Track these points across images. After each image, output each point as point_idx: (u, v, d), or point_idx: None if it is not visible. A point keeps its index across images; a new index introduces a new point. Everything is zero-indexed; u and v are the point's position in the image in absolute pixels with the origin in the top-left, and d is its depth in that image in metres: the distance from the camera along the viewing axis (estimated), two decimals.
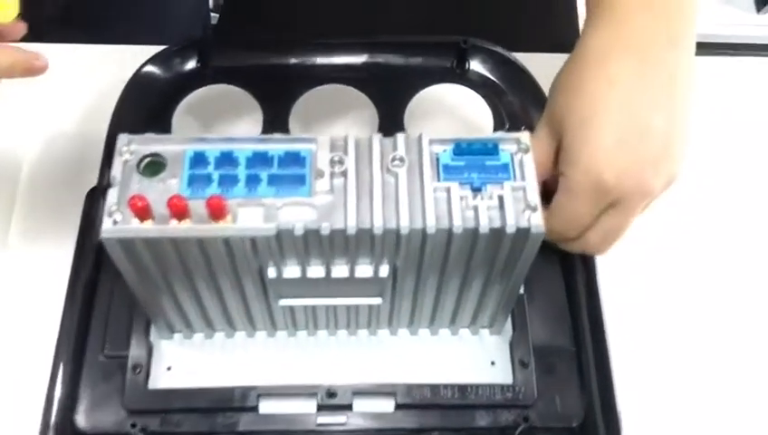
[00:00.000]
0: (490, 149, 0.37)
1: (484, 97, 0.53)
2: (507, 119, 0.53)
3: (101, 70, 0.56)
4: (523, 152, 0.37)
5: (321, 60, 0.54)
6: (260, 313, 0.43)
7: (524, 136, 0.38)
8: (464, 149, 0.37)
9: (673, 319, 0.49)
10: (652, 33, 0.39)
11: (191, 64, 0.53)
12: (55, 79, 0.45)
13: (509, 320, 0.46)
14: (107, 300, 0.46)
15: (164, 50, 0.53)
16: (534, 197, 0.36)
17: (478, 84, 0.54)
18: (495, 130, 0.53)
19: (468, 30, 0.55)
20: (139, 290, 0.39)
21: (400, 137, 0.38)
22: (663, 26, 0.39)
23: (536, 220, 0.35)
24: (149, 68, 0.52)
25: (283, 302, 0.41)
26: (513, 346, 0.45)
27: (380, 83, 0.53)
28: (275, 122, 0.52)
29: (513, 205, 0.36)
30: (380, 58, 0.54)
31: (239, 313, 0.43)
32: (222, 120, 0.53)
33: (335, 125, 0.53)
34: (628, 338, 0.47)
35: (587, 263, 0.48)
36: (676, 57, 0.39)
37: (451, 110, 0.54)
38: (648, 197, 0.40)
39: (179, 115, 0.52)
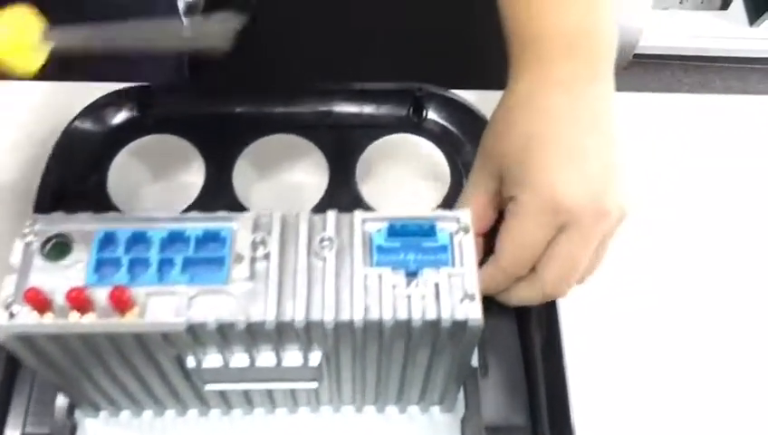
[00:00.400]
0: (426, 230, 0.34)
1: (440, 147, 0.50)
2: (464, 170, 0.50)
3: (53, 108, 0.52)
4: (463, 232, 0.34)
5: (268, 108, 0.50)
6: (188, 394, 0.39)
7: (464, 214, 0.34)
8: (398, 230, 0.34)
9: (650, 391, 0.45)
10: (575, 75, 0.41)
11: (129, 113, 0.50)
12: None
13: (462, 395, 0.42)
14: (31, 371, 0.43)
15: (99, 99, 0.49)
16: (473, 285, 0.33)
17: (435, 134, 0.51)
18: (453, 180, 0.50)
19: (432, 67, 0.52)
20: (52, 377, 0.36)
21: (331, 215, 0.35)
22: (584, 68, 0.41)
23: (474, 312, 0.32)
24: (81, 122, 0.49)
25: (210, 387, 0.37)
26: (464, 426, 0.42)
27: (332, 133, 0.50)
28: (220, 176, 0.49)
29: (450, 294, 0.32)
30: (332, 107, 0.51)
31: (165, 394, 0.39)
32: (162, 174, 0.50)
33: (283, 179, 0.50)
34: (598, 413, 0.43)
35: (550, 325, 0.44)
36: (598, 91, 0.41)
37: (407, 161, 0.51)
38: (603, 219, 0.39)
39: (116, 168, 0.49)
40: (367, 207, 0.48)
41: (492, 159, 0.42)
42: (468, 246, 0.34)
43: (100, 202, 0.47)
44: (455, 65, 0.64)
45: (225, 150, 0.49)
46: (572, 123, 0.40)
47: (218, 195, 0.48)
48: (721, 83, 1.68)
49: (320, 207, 0.47)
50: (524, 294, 0.42)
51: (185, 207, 0.47)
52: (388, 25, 0.65)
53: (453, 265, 0.33)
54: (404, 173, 0.50)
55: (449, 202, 0.48)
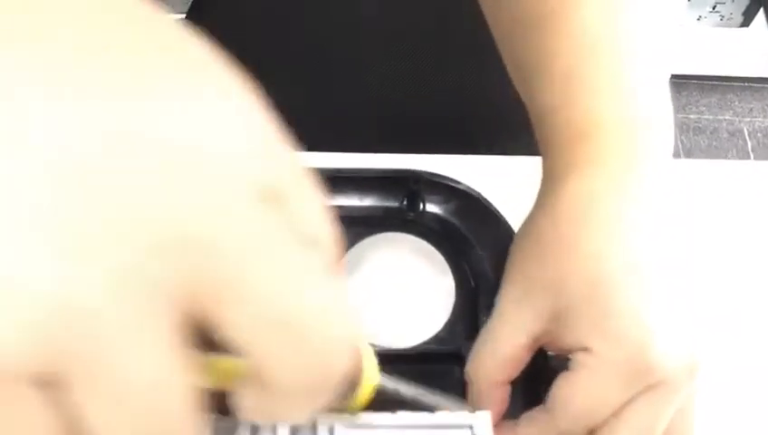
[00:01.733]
0: None
1: (442, 249, 0.39)
2: (474, 280, 0.39)
3: None
4: None
5: None
6: None
7: (481, 421, 0.23)
8: None
9: None
10: (641, 175, 0.33)
11: None
12: None
13: None
14: None
15: None
16: None
17: (436, 232, 0.40)
18: (459, 294, 0.39)
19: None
20: None
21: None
22: (648, 165, 0.33)
23: None
24: None
25: None
26: None
27: None
28: None
29: None
30: None
31: None
32: None
33: None
34: None
35: None
36: (662, 193, 0.33)
37: (399, 267, 0.40)
38: (694, 376, 0.31)
39: None
40: None
41: (537, 288, 0.32)
42: None
43: None
44: (460, 126, 0.53)
45: None
46: (650, 246, 0.32)
47: None
48: (740, 104, 1.58)
49: None
50: None
51: None
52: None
53: None
54: (395, 284, 0.39)
55: (455, 327, 0.37)
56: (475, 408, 0.31)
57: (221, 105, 0.16)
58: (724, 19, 1.45)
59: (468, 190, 0.39)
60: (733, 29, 1.47)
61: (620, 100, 0.33)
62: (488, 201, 0.39)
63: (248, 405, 0.17)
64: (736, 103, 1.58)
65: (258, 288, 0.15)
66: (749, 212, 0.46)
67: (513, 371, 0.32)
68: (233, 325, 0.15)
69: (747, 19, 1.44)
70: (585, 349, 0.31)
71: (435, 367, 0.36)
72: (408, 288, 0.39)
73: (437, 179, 0.39)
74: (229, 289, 0.15)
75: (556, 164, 0.34)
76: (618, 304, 0.30)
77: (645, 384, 0.30)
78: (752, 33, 1.46)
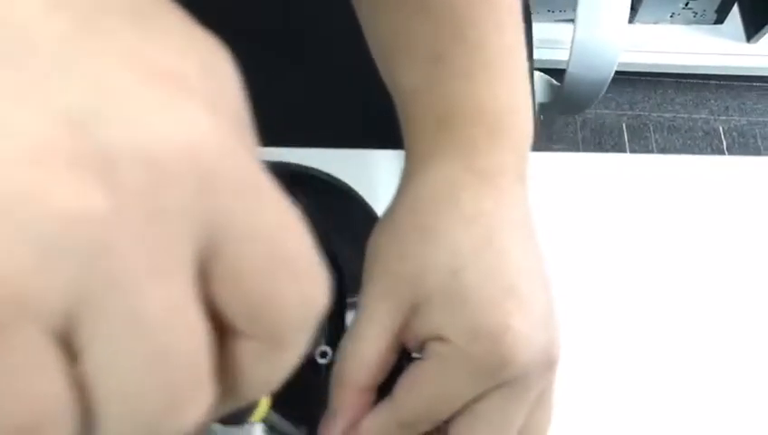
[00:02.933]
0: None
1: None
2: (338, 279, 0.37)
3: None
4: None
5: None
6: None
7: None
8: None
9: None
10: (501, 165, 0.32)
11: None
12: None
13: None
14: None
15: None
16: None
17: None
18: None
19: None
20: None
21: None
22: (510, 156, 0.32)
23: None
24: None
25: None
26: None
27: None
28: None
29: None
30: None
31: None
32: None
33: None
34: None
35: None
36: (522, 190, 0.33)
37: None
38: (550, 371, 0.30)
39: None
40: None
41: (399, 282, 0.30)
42: None
43: None
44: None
45: None
46: (509, 240, 0.31)
47: None
48: (716, 102, 1.56)
49: None
50: None
51: None
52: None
53: None
54: None
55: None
56: (336, 415, 0.30)
57: None
58: (698, 16, 1.43)
59: (335, 182, 0.37)
60: (707, 26, 1.45)
61: (486, 87, 0.32)
62: (358, 194, 0.37)
63: (257, 367, 0.16)
64: (712, 102, 1.56)
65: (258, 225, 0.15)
66: (724, 208, 0.45)
67: (380, 374, 0.31)
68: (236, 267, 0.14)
69: (721, 16, 1.42)
70: (439, 338, 0.29)
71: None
72: None
73: (304, 171, 0.37)
74: (235, 227, 0.14)
75: (417, 150, 0.33)
76: (475, 296, 0.29)
77: (498, 379, 0.29)
78: (726, 31, 1.44)
